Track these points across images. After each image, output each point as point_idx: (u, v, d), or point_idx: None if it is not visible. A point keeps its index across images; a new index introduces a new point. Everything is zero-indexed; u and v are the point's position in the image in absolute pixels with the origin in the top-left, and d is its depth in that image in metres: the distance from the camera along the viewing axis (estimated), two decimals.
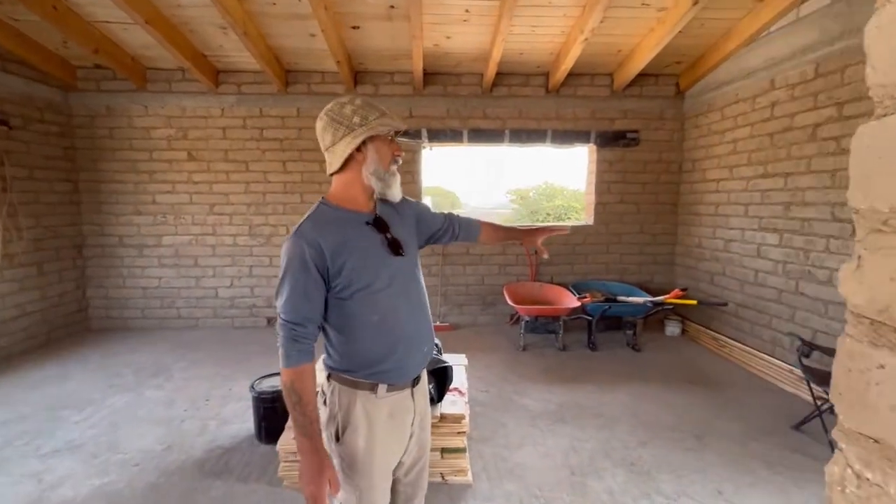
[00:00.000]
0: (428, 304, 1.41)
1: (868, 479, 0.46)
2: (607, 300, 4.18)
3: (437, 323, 4.91)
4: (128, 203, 4.75)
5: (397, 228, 1.34)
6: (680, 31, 3.67)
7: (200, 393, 3.31)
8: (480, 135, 4.86)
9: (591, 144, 4.97)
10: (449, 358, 2.97)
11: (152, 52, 4.21)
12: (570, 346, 4.33)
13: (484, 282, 5.10)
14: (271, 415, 2.63)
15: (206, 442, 2.67)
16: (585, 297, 4.11)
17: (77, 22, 3.63)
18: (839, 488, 0.50)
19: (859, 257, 0.47)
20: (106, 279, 4.83)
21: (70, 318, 4.62)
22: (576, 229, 5.18)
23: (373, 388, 1.26)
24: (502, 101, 4.84)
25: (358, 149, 1.26)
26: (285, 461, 2.26)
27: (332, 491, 1.20)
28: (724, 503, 2.16)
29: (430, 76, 4.73)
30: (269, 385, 2.73)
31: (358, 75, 4.73)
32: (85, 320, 4.81)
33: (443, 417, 2.24)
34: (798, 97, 3.42)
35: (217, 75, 4.63)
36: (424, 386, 1.42)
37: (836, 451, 0.51)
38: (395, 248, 1.29)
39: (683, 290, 3.91)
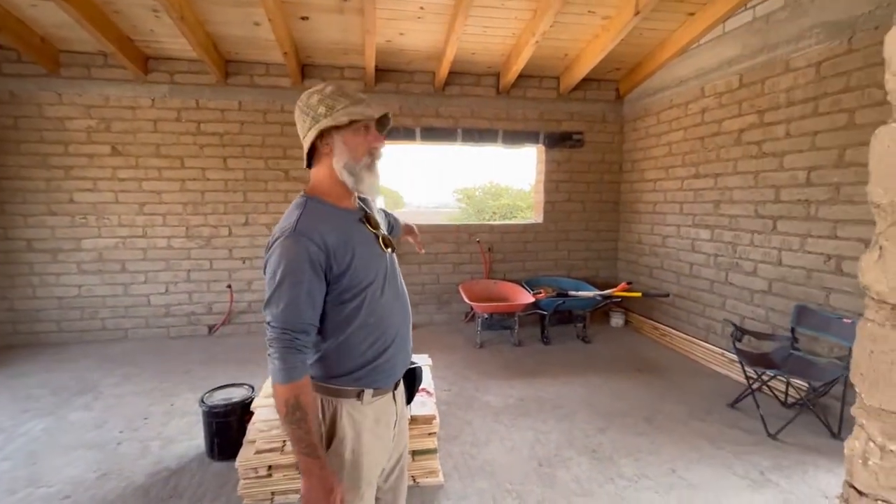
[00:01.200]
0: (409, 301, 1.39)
1: (892, 451, 0.50)
2: (559, 295, 4.34)
3: None
4: (38, 202, 4.20)
5: (381, 223, 1.32)
6: (621, 40, 3.89)
7: (137, 411, 3.00)
8: (433, 133, 4.85)
9: (539, 145, 5.13)
10: (414, 358, 2.93)
11: (67, 32, 3.75)
12: (525, 341, 4.45)
13: (439, 280, 5.10)
14: (224, 429, 2.45)
15: (148, 465, 2.42)
16: (540, 293, 4.24)
17: None
18: (860, 461, 0.54)
19: (881, 248, 0.51)
20: (11, 289, 4.23)
21: None
22: (526, 228, 5.32)
23: (358, 396, 1.21)
24: (455, 101, 4.86)
25: (325, 141, 1.19)
26: (246, 478, 2.11)
27: None
28: (678, 479, 2.32)
29: (381, 73, 4.63)
30: (220, 398, 2.54)
31: (305, 69, 4.53)
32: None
33: (413, 419, 2.21)
34: (725, 104, 3.75)
35: (146, 62, 4.22)
36: (402, 387, 1.39)
37: (855, 427, 0.56)
38: (387, 244, 1.27)
39: (629, 283, 4.17)
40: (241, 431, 2.31)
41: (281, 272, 1.09)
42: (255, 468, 2.10)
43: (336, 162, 1.20)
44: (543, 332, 4.43)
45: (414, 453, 2.23)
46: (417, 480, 2.24)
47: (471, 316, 5.05)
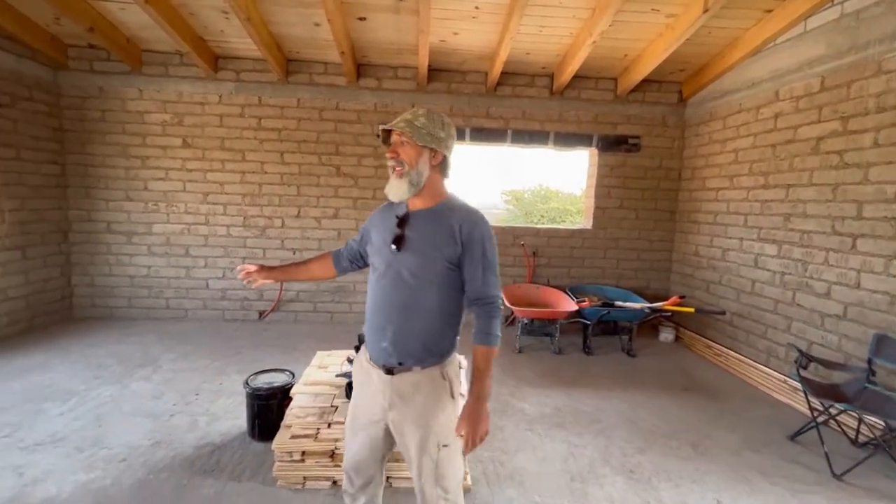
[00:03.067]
0: (420, 312, 1.41)
1: None
2: (605, 304, 4.17)
3: None
4: (118, 189, 4.61)
5: (421, 232, 1.42)
6: (687, 39, 3.67)
7: (190, 387, 3.21)
8: (483, 134, 4.82)
9: (592, 148, 4.96)
10: None
11: (150, 33, 4.08)
12: (566, 350, 4.32)
13: None
14: (265, 412, 2.56)
15: (196, 438, 2.58)
16: (584, 302, 4.09)
17: None
18: None
19: None
20: (91, 266, 4.68)
21: (54, 305, 4.47)
22: (574, 233, 5.17)
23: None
24: (506, 101, 4.80)
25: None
26: (280, 461, 2.19)
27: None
28: None
29: (434, 72, 4.67)
30: (263, 381, 2.66)
31: (361, 68, 4.65)
32: (69, 308, 4.66)
33: None
34: (802, 109, 3.44)
35: (216, 61, 4.51)
36: (409, 386, 1.43)
37: None
38: (397, 242, 1.42)
39: (682, 297, 3.92)
40: (280, 415, 2.40)
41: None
42: (290, 452, 2.18)
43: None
44: (586, 341, 4.28)
45: None
46: None
47: (511, 320, 4.98)
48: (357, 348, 2.61)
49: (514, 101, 4.81)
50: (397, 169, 1.41)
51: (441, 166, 1.46)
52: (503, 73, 4.59)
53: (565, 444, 2.68)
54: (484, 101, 4.79)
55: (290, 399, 2.43)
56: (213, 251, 4.77)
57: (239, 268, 1.67)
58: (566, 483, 2.31)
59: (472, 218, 1.42)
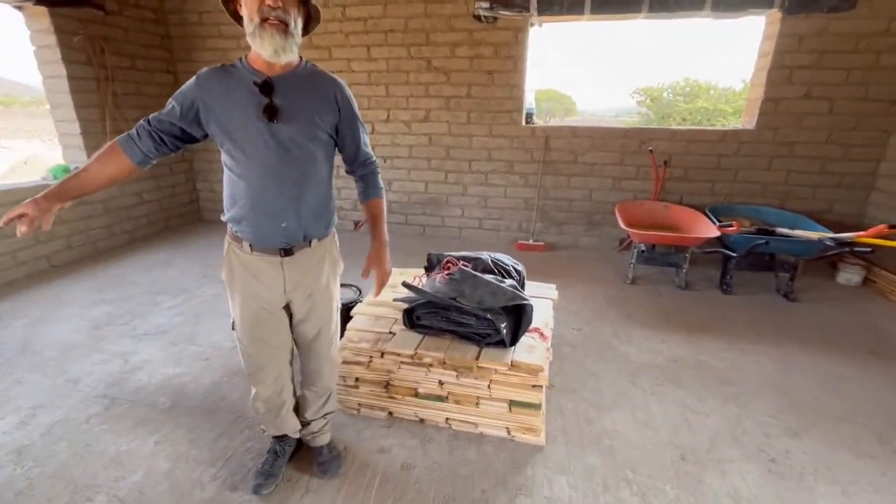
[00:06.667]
0: (311, 184, 1.34)
1: None
2: (761, 231, 3.14)
3: (529, 241, 4.31)
4: None
5: (295, 100, 1.27)
6: None
7: None
8: (609, 4, 3.67)
9: (773, 10, 3.49)
10: (535, 287, 2.43)
11: None
12: (695, 285, 3.47)
13: (592, 197, 4.26)
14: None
15: None
16: (731, 226, 3.11)
17: None
18: None
19: None
20: (210, 173, 5.01)
21: (184, 208, 4.96)
22: (725, 135, 3.93)
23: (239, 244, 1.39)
24: None
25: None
26: (336, 383, 2.03)
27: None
28: None
29: None
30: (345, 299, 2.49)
31: None
32: (197, 211, 5.15)
33: (514, 365, 1.77)
34: None
35: None
36: (309, 261, 1.43)
37: None
38: (269, 113, 1.23)
39: (892, 226, 2.69)
40: (342, 334, 2.23)
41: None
42: (343, 377, 2.00)
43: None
44: (725, 277, 3.36)
45: (511, 403, 1.83)
46: (512, 433, 1.87)
47: (626, 244, 4.17)
48: (427, 269, 2.22)
49: None
50: (282, 23, 1.18)
51: (305, 24, 1.31)
52: None
53: (679, 408, 2.09)
54: None
55: (351, 317, 2.23)
56: None
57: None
58: (672, 461, 1.78)
59: (339, 82, 1.37)
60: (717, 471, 1.73)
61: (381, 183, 1.56)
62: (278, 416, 1.63)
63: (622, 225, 3.45)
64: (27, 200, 1.13)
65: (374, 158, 1.54)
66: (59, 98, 3.74)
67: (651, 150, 3.98)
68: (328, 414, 1.70)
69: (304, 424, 1.69)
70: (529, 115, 4.31)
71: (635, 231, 3.33)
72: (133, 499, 1.59)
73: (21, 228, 1.11)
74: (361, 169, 1.51)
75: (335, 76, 1.37)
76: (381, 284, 1.59)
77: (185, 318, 2.89)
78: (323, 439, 1.72)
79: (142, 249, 4.15)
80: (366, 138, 1.48)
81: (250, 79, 1.24)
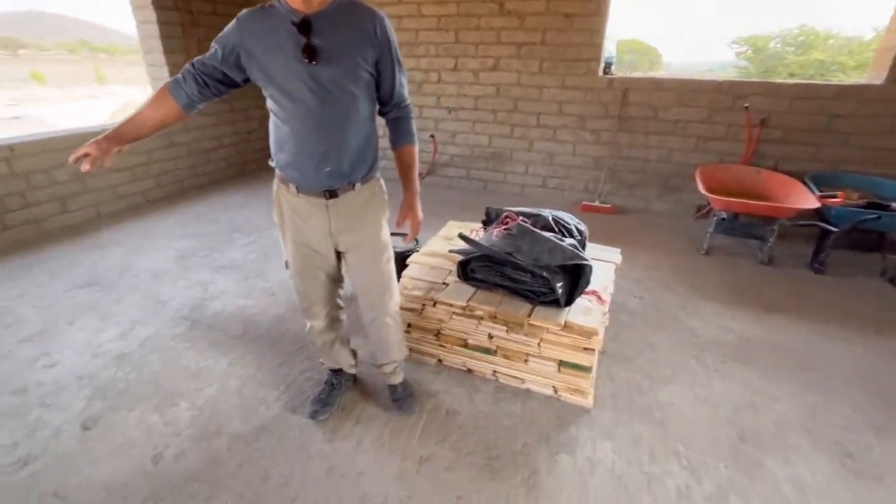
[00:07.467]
0: (354, 126, 1.31)
1: None
2: (872, 206, 2.73)
3: (596, 203, 4.09)
4: None
5: (333, 38, 1.21)
6: None
7: None
8: None
9: None
10: (597, 249, 2.32)
11: None
12: (780, 262, 3.13)
13: (671, 158, 3.91)
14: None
15: None
16: (835, 198, 2.73)
17: None
18: None
19: None
20: None
21: (259, 153, 5.22)
22: (842, 91, 3.38)
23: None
24: None
25: None
26: None
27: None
28: None
29: None
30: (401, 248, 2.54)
31: None
32: (269, 157, 5.39)
33: (566, 326, 1.72)
34: None
35: None
36: (355, 203, 1.43)
37: None
38: (308, 53, 1.18)
39: None
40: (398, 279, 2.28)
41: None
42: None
43: None
44: (819, 254, 3.00)
45: (561, 363, 1.80)
46: (559, 392, 1.85)
47: (704, 212, 3.83)
48: (485, 223, 2.19)
49: None
50: None
51: None
52: None
53: (745, 389, 1.94)
54: None
55: (406, 266, 2.27)
56: None
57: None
58: (730, 440, 1.68)
59: (379, 15, 1.27)
60: (780, 457, 1.62)
61: (415, 129, 1.50)
62: (332, 349, 1.73)
63: (702, 190, 3.15)
64: (90, 141, 1.21)
65: (409, 102, 1.46)
66: (149, 43, 3.98)
67: (747, 107, 3.53)
68: (397, 360, 1.75)
69: (377, 366, 1.79)
70: (608, 65, 3.96)
71: (718, 198, 3.03)
72: (209, 408, 1.79)
73: (84, 167, 1.19)
74: (395, 111, 1.44)
75: (375, 8, 1.28)
76: (415, 232, 1.60)
77: (256, 256, 3.11)
78: (395, 379, 1.80)
79: (220, 190, 4.46)
80: (402, 79, 1.39)
81: (289, 18, 1.18)
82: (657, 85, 3.77)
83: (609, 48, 3.98)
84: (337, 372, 1.83)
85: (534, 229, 1.93)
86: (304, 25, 1.17)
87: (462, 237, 2.00)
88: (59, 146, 3.32)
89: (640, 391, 1.92)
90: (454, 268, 2.10)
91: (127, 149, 1.31)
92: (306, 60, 1.18)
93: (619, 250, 2.35)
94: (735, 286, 2.81)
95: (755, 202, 3.00)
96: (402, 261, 2.38)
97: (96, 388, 1.88)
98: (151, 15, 3.85)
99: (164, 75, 4.02)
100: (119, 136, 1.26)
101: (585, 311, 1.80)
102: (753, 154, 3.62)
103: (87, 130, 3.60)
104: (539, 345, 1.81)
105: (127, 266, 2.92)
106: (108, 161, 1.24)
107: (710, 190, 3.18)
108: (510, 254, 1.81)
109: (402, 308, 2.03)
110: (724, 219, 3.17)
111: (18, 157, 3.14)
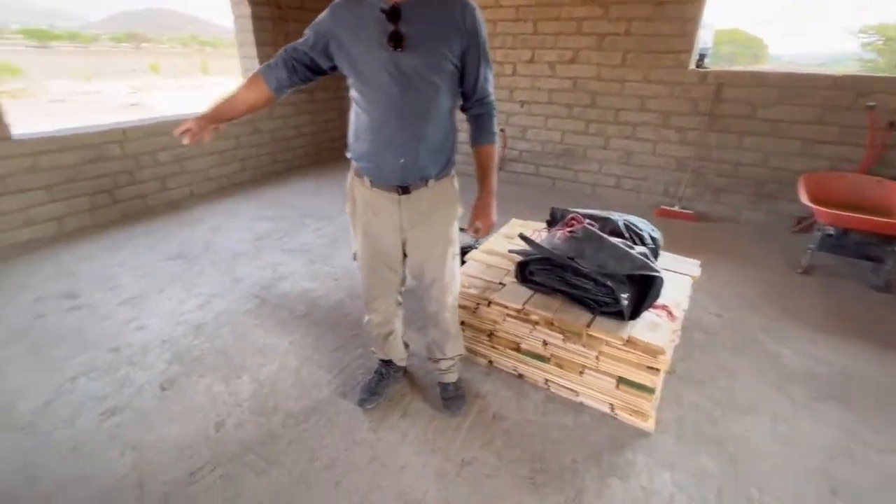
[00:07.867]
0: (434, 119, 1.29)
1: None
2: None
3: (675, 208, 3.77)
4: None
5: (420, 27, 1.19)
6: None
7: None
8: None
9: None
10: (672, 260, 2.13)
11: None
12: None
13: (768, 162, 3.49)
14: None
15: None
16: None
17: None
18: None
19: None
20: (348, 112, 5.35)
21: (334, 143, 5.44)
22: None
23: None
24: None
25: None
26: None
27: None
28: None
29: None
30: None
31: None
32: (345, 147, 5.60)
33: (630, 341, 1.59)
34: None
35: None
36: (427, 200, 1.41)
37: None
38: (395, 40, 1.18)
39: None
40: None
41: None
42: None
43: None
44: None
45: (620, 380, 1.68)
46: (616, 411, 1.73)
47: (806, 225, 3.38)
48: (549, 223, 2.10)
49: None
50: None
51: None
52: None
53: (840, 433, 1.68)
54: None
55: (464, 262, 2.24)
56: None
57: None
58: (819, 492, 1.46)
59: (470, 5, 1.23)
60: None
61: (496, 128, 1.44)
62: (386, 342, 1.75)
63: (805, 200, 2.77)
64: (192, 117, 1.31)
65: (493, 98, 1.41)
66: (244, 37, 4.28)
67: (870, 107, 3.04)
68: (453, 357, 1.73)
69: (433, 361, 1.76)
70: (702, 57, 3.60)
71: (826, 210, 2.65)
72: (269, 384, 1.89)
73: (185, 140, 1.28)
74: (477, 107, 1.40)
75: None
76: (486, 234, 1.52)
77: (324, 241, 3.24)
78: (449, 377, 1.77)
79: (296, 177, 4.72)
80: (489, 73, 1.36)
81: (378, 6, 1.19)
82: (758, 79, 3.37)
83: (704, 39, 3.62)
84: (387, 363, 1.85)
85: (601, 234, 1.80)
86: (394, 13, 1.18)
87: (523, 237, 1.92)
88: (163, 131, 3.69)
89: (711, 420, 1.73)
90: (512, 268, 2.04)
91: (223, 127, 1.40)
92: (391, 47, 1.18)
93: (697, 262, 2.14)
94: (838, 312, 2.45)
95: (873, 217, 2.58)
96: (462, 254, 2.35)
97: (175, 353, 2.07)
98: (246, 10, 4.13)
99: (256, 66, 4.30)
100: (216, 115, 1.36)
101: (652, 327, 1.65)
102: (876, 161, 3.12)
103: (187, 117, 3.96)
104: (597, 358, 1.69)
105: (209, 242, 3.18)
106: (207, 137, 1.33)
107: (815, 200, 2.79)
108: (572, 258, 1.71)
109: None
110: (830, 234, 2.77)
111: (129, 139, 3.54)
